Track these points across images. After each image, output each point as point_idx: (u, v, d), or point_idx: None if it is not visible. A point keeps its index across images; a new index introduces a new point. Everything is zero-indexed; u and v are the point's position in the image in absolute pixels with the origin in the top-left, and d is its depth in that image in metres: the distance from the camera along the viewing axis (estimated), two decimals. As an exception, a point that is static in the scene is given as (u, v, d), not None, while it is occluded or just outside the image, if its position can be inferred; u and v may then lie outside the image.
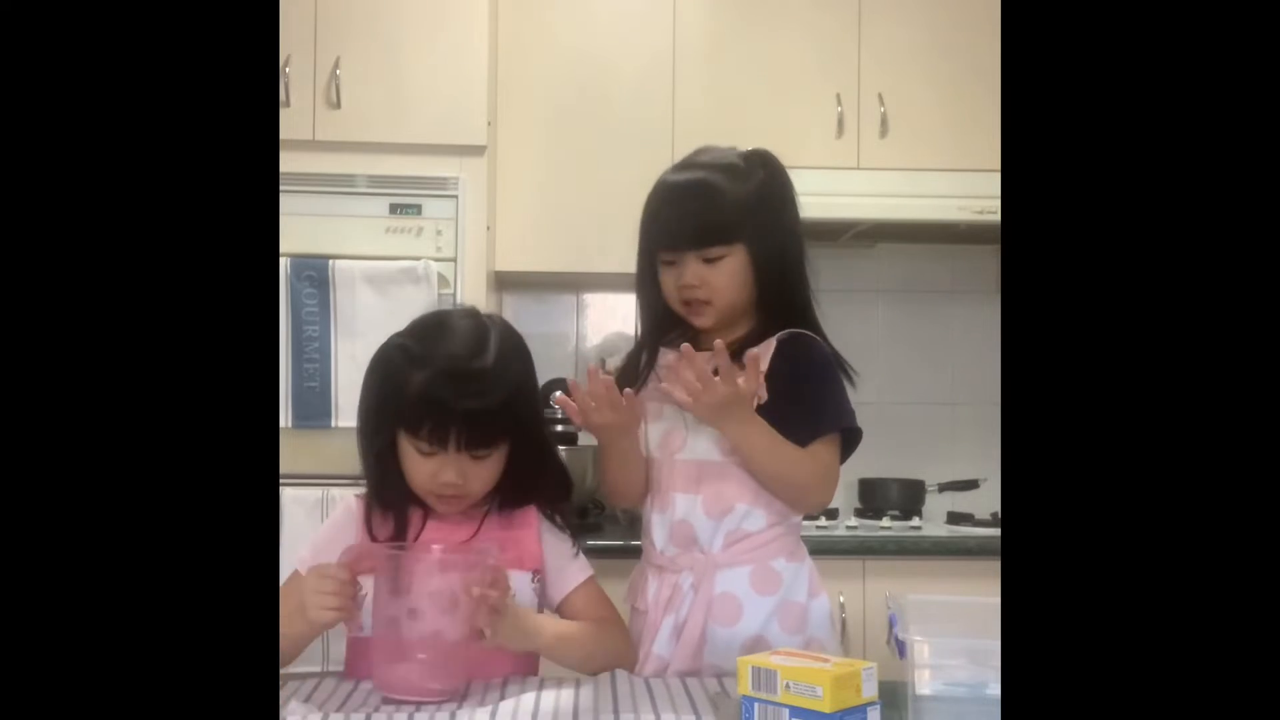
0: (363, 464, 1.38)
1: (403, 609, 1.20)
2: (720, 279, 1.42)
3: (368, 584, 1.23)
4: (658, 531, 1.46)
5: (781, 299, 1.45)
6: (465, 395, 1.27)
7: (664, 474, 1.46)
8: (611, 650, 1.37)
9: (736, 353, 1.37)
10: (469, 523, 1.37)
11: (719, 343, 1.31)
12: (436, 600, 1.19)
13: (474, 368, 1.29)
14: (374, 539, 1.33)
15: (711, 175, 1.44)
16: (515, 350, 1.35)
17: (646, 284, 1.48)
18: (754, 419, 1.37)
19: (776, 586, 1.40)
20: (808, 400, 1.41)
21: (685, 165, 1.48)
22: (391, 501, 1.36)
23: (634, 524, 2.22)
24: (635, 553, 1.59)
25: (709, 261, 1.41)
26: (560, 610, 1.40)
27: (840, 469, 1.44)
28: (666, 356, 1.45)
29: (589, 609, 1.39)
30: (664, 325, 1.49)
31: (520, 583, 1.34)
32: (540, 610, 1.38)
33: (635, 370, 1.49)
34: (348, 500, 1.41)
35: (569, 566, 1.41)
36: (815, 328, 1.47)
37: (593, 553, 2.28)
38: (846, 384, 1.46)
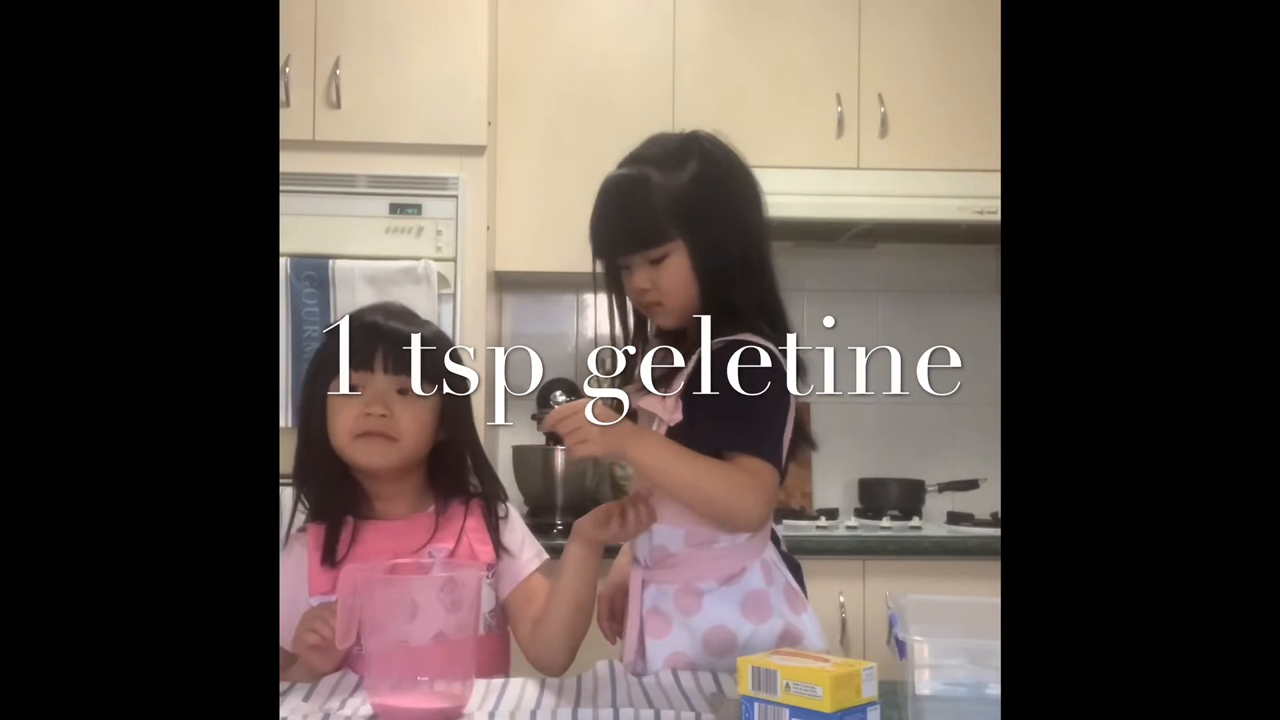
0: (301, 474, 1.43)
1: (385, 631, 1.18)
2: (668, 280, 1.36)
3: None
4: None
5: (727, 296, 1.35)
6: (390, 317, 1.39)
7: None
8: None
9: (688, 353, 1.34)
10: (416, 529, 1.39)
11: (608, 402, 1.26)
12: (396, 611, 1.17)
13: (401, 310, 1.43)
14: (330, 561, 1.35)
15: (644, 170, 1.38)
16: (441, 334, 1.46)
17: (611, 287, 1.43)
18: (650, 445, 1.28)
19: (697, 609, 1.35)
20: (722, 415, 1.30)
21: (628, 160, 1.42)
22: (331, 505, 1.39)
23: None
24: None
25: (655, 263, 1.36)
26: (511, 598, 1.42)
27: (773, 482, 1.31)
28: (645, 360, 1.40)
29: (541, 596, 1.40)
30: (641, 326, 1.46)
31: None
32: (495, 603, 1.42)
33: (629, 375, 1.43)
34: (291, 546, 1.43)
35: (519, 558, 1.44)
36: (775, 327, 1.37)
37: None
38: (794, 393, 1.36)
